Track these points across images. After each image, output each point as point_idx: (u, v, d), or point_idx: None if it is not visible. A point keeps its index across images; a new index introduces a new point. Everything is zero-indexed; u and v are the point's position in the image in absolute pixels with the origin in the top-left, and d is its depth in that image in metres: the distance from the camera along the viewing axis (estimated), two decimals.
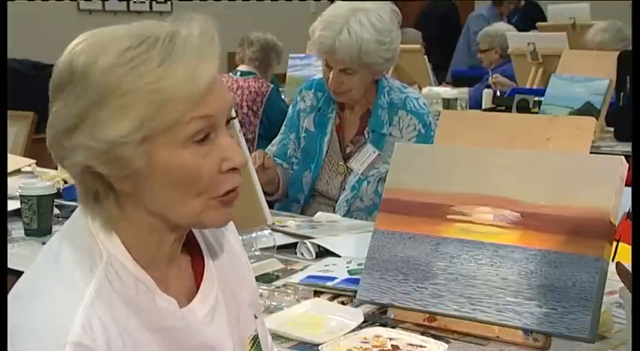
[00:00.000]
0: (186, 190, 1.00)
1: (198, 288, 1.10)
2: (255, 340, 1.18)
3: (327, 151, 2.62)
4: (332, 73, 2.50)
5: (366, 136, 2.57)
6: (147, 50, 0.97)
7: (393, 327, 1.58)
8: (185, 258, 1.11)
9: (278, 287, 1.77)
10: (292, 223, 2.30)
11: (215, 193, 1.01)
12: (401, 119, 2.53)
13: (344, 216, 2.49)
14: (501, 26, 5.79)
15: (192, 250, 1.12)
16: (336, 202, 2.58)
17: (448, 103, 4.80)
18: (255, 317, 1.20)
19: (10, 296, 1.01)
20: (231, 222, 1.14)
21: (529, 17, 6.94)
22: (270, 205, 2.44)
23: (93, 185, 1.00)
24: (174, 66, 0.96)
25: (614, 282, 1.43)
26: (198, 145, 0.99)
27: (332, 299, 1.73)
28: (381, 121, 2.54)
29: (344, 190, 2.58)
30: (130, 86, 0.95)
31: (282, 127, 2.76)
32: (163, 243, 1.05)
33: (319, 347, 1.48)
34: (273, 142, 2.77)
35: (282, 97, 4.42)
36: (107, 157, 0.97)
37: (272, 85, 4.24)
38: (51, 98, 1.01)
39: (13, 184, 2.44)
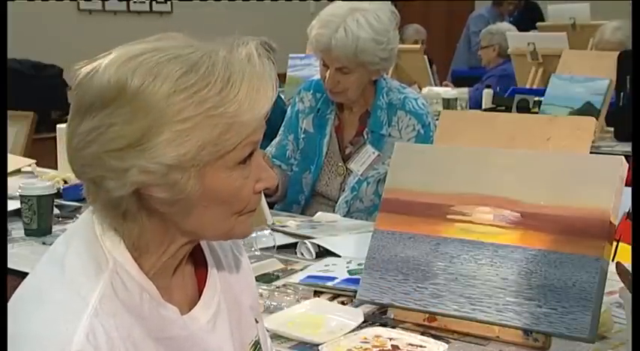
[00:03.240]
0: (227, 211, 1.01)
1: (200, 294, 1.10)
2: (256, 345, 1.17)
3: (326, 153, 2.62)
4: (328, 72, 2.50)
5: (365, 136, 2.57)
6: (206, 75, 0.95)
7: (393, 327, 1.58)
8: (189, 265, 1.11)
9: (278, 287, 1.77)
10: (292, 223, 2.30)
11: (245, 211, 1.03)
12: (400, 120, 2.53)
13: (344, 217, 2.49)
14: (503, 25, 5.80)
15: (196, 258, 1.12)
16: (336, 202, 2.58)
17: (448, 103, 4.80)
18: (256, 321, 1.20)
19: (13, 300, 1.01)
20: None
21: (528, 17, 6.94)
22: (271, 206, 2.44)
23: (129, 205, 0.99)
24: (236, 90, 0.96)
25: (614, 282, 1.43)
26: (242, 167, 1.00)
27: (332, 299, 1.73)
28: (380, 121, 2.54)
29: (343, 191, 2.58)
30: (192, 112, 0.94)
31: (281, 128, 2.76)
32: (177, 256, 1.05)
33: (319, 347, 1.48)
34: (272, 143, 2.77)
35: (282, 96, 4.41)
36: (164, 180, 0.96)
37: None
38: (82, 113, 0.97)
39: (13, 184, 2.44)
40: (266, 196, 2.41)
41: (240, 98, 0.96)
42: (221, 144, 0.96)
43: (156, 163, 0.94)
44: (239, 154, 0.99)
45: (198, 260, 1.12)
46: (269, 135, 3.63)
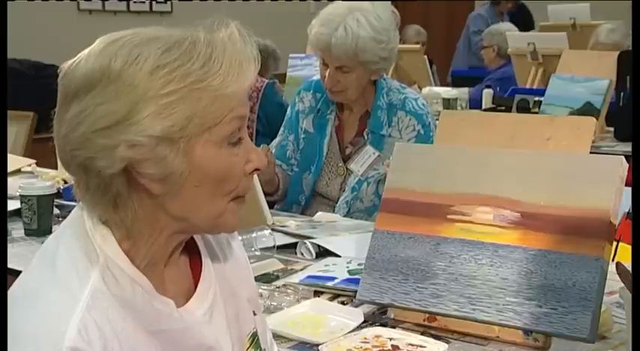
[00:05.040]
0: (217, 190, 1.02)
1: (196, 287, 1.10)
2: (254, 337, 1.17)
3: (326, 153, 2.62)
4: (328, 71, 2.50)
5: (366, 137, 2.56)
6: (189, 51, 0.98)
7: (393, 327, 1.58)
8: (183, 258, 1.11)
9: (278, 287, 1.77)
10: (292, 223, 2.30)
11: (237, 193, 1.04)
12: (400, 120, 2.53)
13: (344, 217, 2.49)
14: (502, 26, 5.80)
15: (191, 250, 1.12)
16: (337, 203, 2.58)
17: (448, 103, 4.80)
18: (254, 314, 1.20)
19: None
20: None
21: (520, 20, 6.99)
22: (271, 206, 2.44)
23: (120, 188, 0.99)
24: (219, 64, 0.99)
25: (614, 282, 1.43)
26: (230, 146, 1.02)
27: (332, 299, 1.73)
28: (380, 122, 2.54)
29: (344, 191, 2.58)
30: (176, 85, 0.97)
31: (281, 129, 2.76)
32: (169, 245, 1.05)
33: (319, 347, 1.48)
34: (272, 143, 2.77)
35: (282, 95, 4.41)
36: (153, 154, 0.97)
37: (266, 80, 4.22)
38: (69, 100, 0.99)
39: (13, 184, 2.44)
40: (267, 195, 2.42)
41: (224, 72, 0.99)
42: (207, 116, 0.98)
43: (144, 136, 0.96)
44: (226, 129, 1.00)
45: (193, 253, 1.13)
46: (269, 134, 3.63)
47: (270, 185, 2.56)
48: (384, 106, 2.54)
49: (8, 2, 3.15)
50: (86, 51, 1.01)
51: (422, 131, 2.51)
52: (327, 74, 2.50)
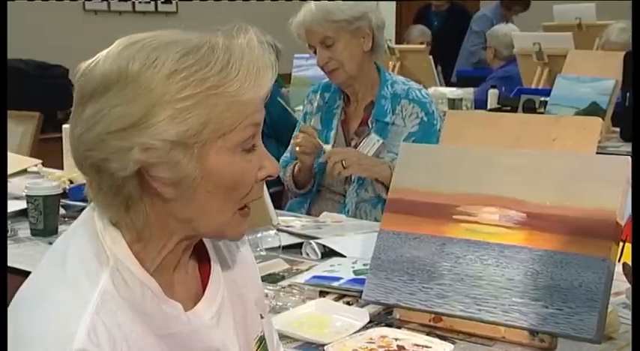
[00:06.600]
0: (228, 196, 1.01)
1: (204, 291, 1.10)
2: (261, 341, 1.17)
3: (332, 145, 2.64)
4: (318, 52, 2.56)
5: (370, 126, 2.60)
6: (207, 56, 0.98)
7: (399, 327, 1.57)
8: (192, 261, 1.11)
9: (283, 287, 1.77)
10: (298, 223, 2.30)
11: (246, 200, 1.04)
12: (404, 108, 2.57)
13: (355, 208, 2.54)
14: (501, 28, 5.77)
15: (199, 253, 1.12)
16: (343, 196, 2.62)
17: (454, 104, 4.79)
18: (261, 317, 1.20)
19: (15, 300, 1.01)
20: None
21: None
22: (276, 206, 2.45)
23: (132, 190, 0.99)
24: (236, 71, 0.98)
25: (621, 283, 1.43)
26: (245, 153, 1.01)
27: (337, 299, 1.73)
28: (384, 110, 2.58)
29: (352, 182, 2.60)
30: (193, 90, 0.96)
31: (294, 134, 2.80)
32: (179, 248, 1.05)
33: (325, 347, 1.48)
34: (288, 148, 2.81)
35: (285, 96, 4.41)
36: (166, 158, 0.97)
37: None
38: (85, 100, 0.98)
39: (19, 184, 2.44)
40: (299, 189, 2.55)
41: (241, 78, 0.98)
42: (222, 122, 0.98)
43: (158, 140, 0.96)
44: (241, 135, 1.00)
45: (201, 256, 1.13)
46: (274, 135, 3.64)
47: (309, 173, 2.62)
48: (388, 96, 2.59)
49: (13, 2, 3.16)
50: (104, 52, 1.00)
51: (425, 119, 2.55)
52: (318, 58, 2.57)
